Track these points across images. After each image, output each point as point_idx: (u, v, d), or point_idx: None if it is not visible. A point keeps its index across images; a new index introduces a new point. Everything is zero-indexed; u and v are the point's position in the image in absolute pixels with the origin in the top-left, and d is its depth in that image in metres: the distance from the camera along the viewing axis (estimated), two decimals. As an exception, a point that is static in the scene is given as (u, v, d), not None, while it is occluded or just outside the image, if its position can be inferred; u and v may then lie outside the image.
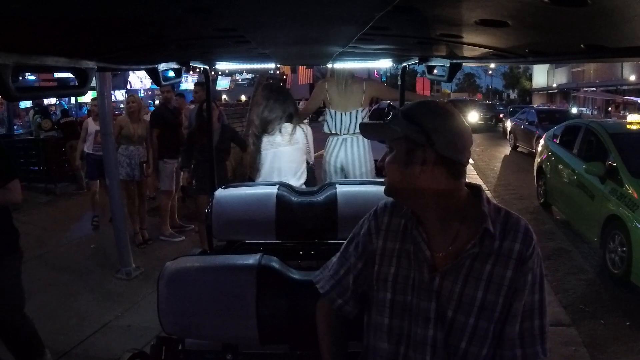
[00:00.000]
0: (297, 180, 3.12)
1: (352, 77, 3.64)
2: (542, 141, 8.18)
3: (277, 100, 2.97)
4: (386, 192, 1.19)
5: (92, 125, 6.15)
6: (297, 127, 3.09)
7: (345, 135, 3.60)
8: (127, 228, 5.45)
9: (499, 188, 9.24)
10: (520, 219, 1.15)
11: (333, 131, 3.60)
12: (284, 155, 3.05)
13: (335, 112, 3.59)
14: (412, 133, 1.10)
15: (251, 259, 1.61)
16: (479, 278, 1.10)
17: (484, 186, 9.26)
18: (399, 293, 1.17)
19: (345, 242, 1.34)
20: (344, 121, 3.57)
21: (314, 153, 3.44)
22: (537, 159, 8.10)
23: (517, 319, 1.11)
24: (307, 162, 3.30)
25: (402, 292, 1.16)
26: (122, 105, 19.36)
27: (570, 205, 6.19)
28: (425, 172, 1.10)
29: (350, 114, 3.59)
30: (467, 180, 1.18)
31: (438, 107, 1.15)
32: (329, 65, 3.04)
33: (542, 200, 7.59)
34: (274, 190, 2.17)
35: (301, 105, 4.51)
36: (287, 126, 3.05)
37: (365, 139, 3.54)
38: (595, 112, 28.02)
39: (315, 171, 3.65)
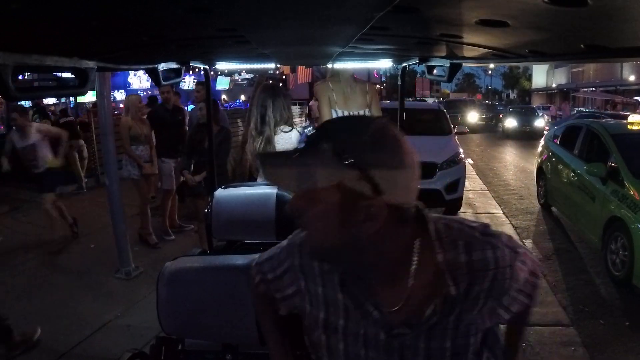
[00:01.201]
0: None
1: (354, 77, 3.60)
2: (542, 141, 8.12)
3: (276, 102, 2.94)
4: (312, 255, 0.95)
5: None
6: (294, 129, 3.06)
7: None
8: (146, 226, 5.48)
9: (498, 188, 9.24)
10: (485, 250, 0.92)
11: None
12: None
13: (343, 112, 3.46)
14: (352, 181, 0.79)
15: (251, 259, 1.61)
16: (444, 329, 0.92)
17: (483, 187, 9.27)
18: (351, 345, 0.98)
19: (276, 252, 1.14)
20: None
21: None
22: (537, 160, 8.05)
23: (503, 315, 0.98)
24: None
25: (354, 345, 0.98)
26: (121, 105, 19.41)
27: (571, 207, 6.13)
28: (369, 227, 0.82)
29: (359, 114, 3.48)
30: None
31: (383, 134, 0.84)
32: (329, 66, 3.03)
33: (542, 201, 7.54)
34: (273, 190, 2.17)
35: (312, 104, 4.38)
36: (285, 128, 3.01)
37: None
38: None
39: None
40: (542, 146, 7.93)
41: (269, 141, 2.85)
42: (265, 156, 0.92)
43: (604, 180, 5.11)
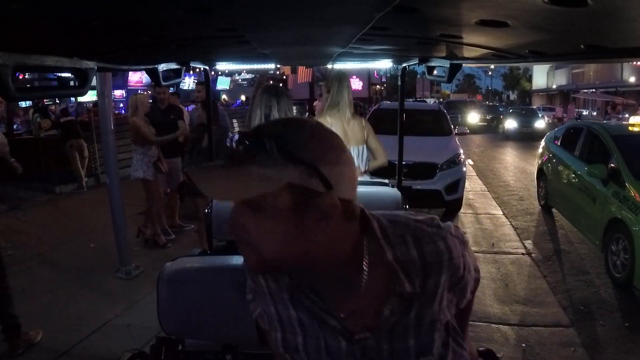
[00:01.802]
0: None
1: (351, 112, 3.35)
2: (542, 143, 8.04)
3: (280, 102, 2.86)
4: (258, 269, 0.86)
5: None
6: None
7: None
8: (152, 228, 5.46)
9: (498, 189, 9.24)
10: (436, 242, 0.89)
11: None
12: None
13: None
14: (302, 178, 0.75)
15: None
16: (406, 327, 0.90)
17: (483, 187, 9.28)
18: (314, 358, 0.96)
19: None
20: (352, 156, 3.24)
21: None
22: (538, 161, 7.99)
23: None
24: None
25: (318, 357, 0.95)
26: (121, 105, 19.41)
27: (571, 208, 6.06)
28: (324, 226, 0.78)
29: (358, 149, 3.29)
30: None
31: (321, 130, 0.82)
32: (329, 66, 3.02)
33: (542, 203, 7.47)
34: (273, 190, 2.17)
35: (317, 104, 4.13)
36: None
37: (368, 177, 3.22)
38: (594, 114, 27.92)
39: None
40: (543, 147, 7.86)
41: None
42: (192, 171, 0.76)
43: (605, 181, 5.05)
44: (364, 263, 0.86)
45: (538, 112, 24.35)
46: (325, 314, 0.90)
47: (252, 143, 0.77)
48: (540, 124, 20.90)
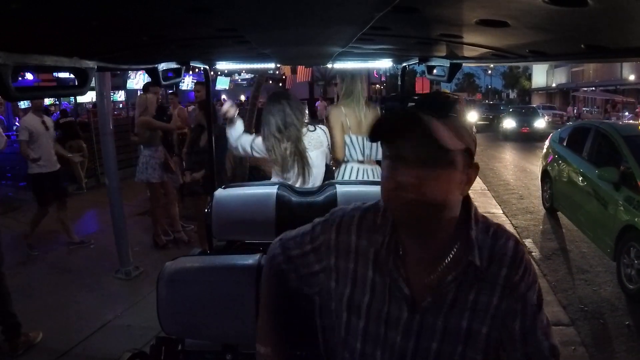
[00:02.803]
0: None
1: (365, 101, 3.34)
2: (547, 142, 7.70)
3: (291, 103, 2.81)
4: (407, 213, 0.93)
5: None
6: (318, 128, 2.95)
7: (363, 165, 3.20)
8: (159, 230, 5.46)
9: (498, 188, 9.25)
10: (509, 240, 1.02)
11: (354, 157, 3.19)
12: (311, 160, 2.82)
13: (357, 137, 3.20)
14: (469, 147, 0.95)
15: (251, 259, 1.61)
16: (462, 308, 0.98)
17: (483, 186, 9.27)
18: (372, 324, 1.03)
19: (307, 230, 1.19)
20: (366, 146, 3.19)
21: None
22: (542, 162, 7.66)
23: (515, 346, 1.00)
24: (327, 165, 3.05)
25: (375, 324, 1.03)
26: (121, 105, 19.36)
27: (580, 213, 5.72)
28: (466, 190, 0.97)
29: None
30: None
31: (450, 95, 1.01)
32: (329, 65, 3.01)
33: (547, 205, 7.16)
34: (273, 190, 2.17)
35: (319, 104, 4.00)
36: (310, 127, 2.90)
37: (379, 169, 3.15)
38: (595, 112, 27.81)
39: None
40: (547, 148, 7.51)
41: (299, 140, 2.74)
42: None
43: (617, 185, 4.71)
44: (457, 240, 0.99)
45: (539, 110, 23.25)
46: (402, 281, 0.99)
47: (440, 111, 0.93)
48: (540, 123, 20.05)
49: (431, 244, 0.99)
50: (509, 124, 20.24)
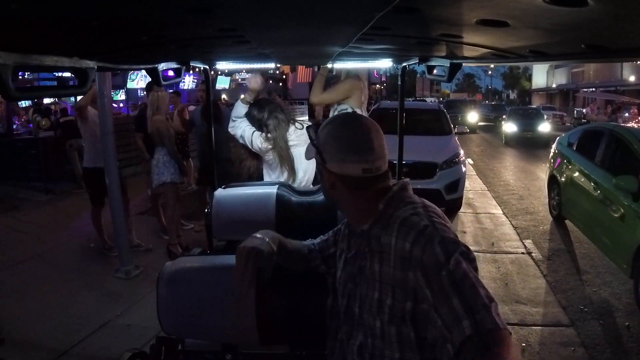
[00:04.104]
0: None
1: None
2: (554, 146, 7.22)
3: (270, 111, 2.91)
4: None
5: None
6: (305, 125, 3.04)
7: None
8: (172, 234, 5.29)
9: (498, 188, 9.24)
10: (421, 219, 1.10)
11: None
12: (301, 155, 2.90)
13: (361, 110, 3.37)
14: (316, 153, 1.22)
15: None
16: (373, 279, 1.15)
17: (483, 187, 9.27)
18: (342, 280, 1.31)
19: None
20: None
21: None
22: (549, 167, 7.14)
23: (433, 324, 1.02)
24: None
25: (342, 293, 1.30)
26: (121, 105, 19.33)
27: (592, 224, 5.24)
28: (332, 187, 1.21)
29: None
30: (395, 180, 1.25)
31: (332, 123, 1.23)
32: (329, 65, 3.01)
33: (555, 214, 6.69)
34: (273, 190, 2.17)
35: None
36: (298, 125, 2.99)
37: None
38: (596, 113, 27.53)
39: None
40: (555, 152, 7.00)
41: (284, 141, 2.87)
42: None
43: (636, 196, 4.24)
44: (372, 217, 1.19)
45: (542, 111, 21.11)
46: (353, 247, 1.28)
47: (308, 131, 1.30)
48: (544, 127, 17.85)
49: (350, 219, 1.29)
50: (509, 127, 18.09)
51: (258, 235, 1.34)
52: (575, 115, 25.40)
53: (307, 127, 1.33)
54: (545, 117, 20.30)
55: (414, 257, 1.04)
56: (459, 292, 0.95)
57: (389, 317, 1.11)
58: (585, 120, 19.99)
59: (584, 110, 26.69)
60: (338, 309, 1.34)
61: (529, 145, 16.55)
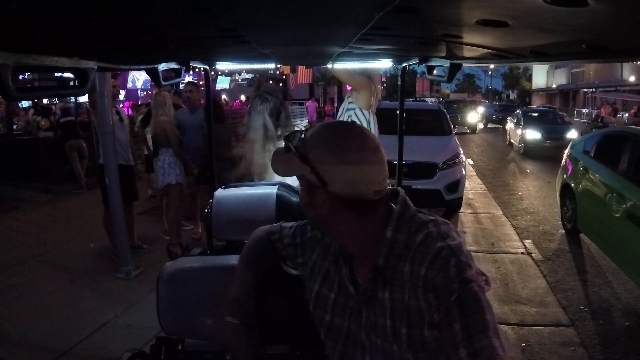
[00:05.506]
0: None
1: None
2: (566, 151, 6.59)
3: (269, 105, 2.96)
4: (309, 225, 1.24)
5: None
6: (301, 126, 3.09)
7: None
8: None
9: (498, 189, 9.25)
10: (435, 242, 1.01)
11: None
12: None
13: (370, 116, 3.24)
14: (307, 174, 1.03)
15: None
16: (383, 307, 1.06)
17: (483, 187, 9.27)
18: (336, 317, 1.16)
19: (303, 224, 1.32)
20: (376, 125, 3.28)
21: None
22: (561, 174, 6.46)
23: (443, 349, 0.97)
24: None
25: (340, 317, 1.15)
26: (121, 105, 19.34)
27: (612, 240, 4.65)
28: (328, 210, 1.04)
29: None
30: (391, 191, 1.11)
31: (333, 138, 1.04)
32: (329, 65, 3.01)
33: (569, 226, 6.04)
34: (273, 190, 2.17)
35: (308, 105, 4.23)
36: (297, 127, 3.05)
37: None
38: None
39: None
40: (568, 158, 6.36)
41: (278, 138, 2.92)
42: (274, 153, 1.12)
43: None
44: (384, 246, 1.05)
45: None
46: (350, 284, 1.13)
47: (287, 141, 1.08)
48: (572, 134, 13.92)
49: (346, 246, 1.12)
50: (530, 135, 14.51)
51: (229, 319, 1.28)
52: (591, 117, 22.73)
53: (287, 137, 1.10)
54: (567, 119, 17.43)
55: (429, 280, 0.99)
56: (464, 317, 0.92)
57: (407, 346, 1.03)
58: (602, 124, 17.34)
59: (594, 112, 24.74)
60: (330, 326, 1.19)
61: (555, 158, 11.77)
